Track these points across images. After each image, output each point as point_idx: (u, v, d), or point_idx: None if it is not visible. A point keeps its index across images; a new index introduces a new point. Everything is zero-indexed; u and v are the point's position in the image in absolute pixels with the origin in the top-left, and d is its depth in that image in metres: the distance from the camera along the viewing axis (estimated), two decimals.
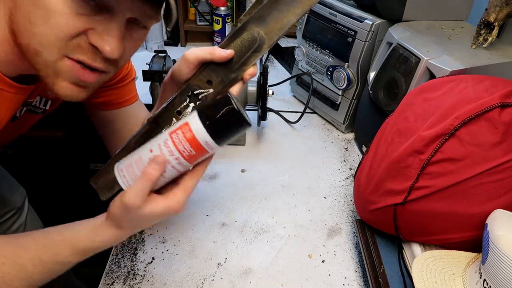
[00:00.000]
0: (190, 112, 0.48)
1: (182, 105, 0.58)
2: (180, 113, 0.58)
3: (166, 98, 0.65)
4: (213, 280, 0.69)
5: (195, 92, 0.57)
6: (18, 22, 0.47)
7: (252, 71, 0.56)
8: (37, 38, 0.46)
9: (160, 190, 0.52)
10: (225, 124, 0.47)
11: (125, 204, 0.48)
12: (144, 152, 0.50)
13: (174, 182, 0.52)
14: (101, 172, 0.62)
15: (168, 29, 0.53)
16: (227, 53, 0.53)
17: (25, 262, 0.52)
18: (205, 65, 0.56)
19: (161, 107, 0.59)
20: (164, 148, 0.48)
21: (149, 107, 0.82)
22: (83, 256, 0.54)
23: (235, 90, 0.56)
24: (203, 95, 0.57)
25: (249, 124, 0.47)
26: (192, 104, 0.58)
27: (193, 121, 0.47)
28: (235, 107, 0.45)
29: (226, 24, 1.38)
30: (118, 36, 0.48)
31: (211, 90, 0.57)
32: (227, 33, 1.40)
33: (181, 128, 0.47)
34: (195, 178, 0.51)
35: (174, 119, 0.59)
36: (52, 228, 0.55)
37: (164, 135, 0.49)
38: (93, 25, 0.47)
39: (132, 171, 0.50)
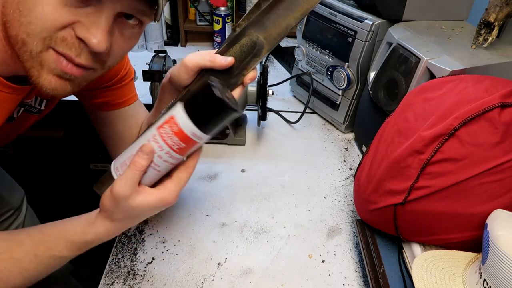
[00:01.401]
0: (175, 104, 0.48)
1: None
2: None
3: (164, 100, 0.65)
4: (213, 280, 0.69)
5: None
6: (8, 13, 0.46)
7: (252, 75, 0.56)
8: (24, 27, 0.45)
9: (155, 184, 0.52)
10: (210, 113, 0.46)
11: (115, 194, 0.49)
12: (136, 149, 0.50)
13: (168, 175, 0.52)
14: (104, 178, 0.62)
15: (155, 22, 0.52)
16: (228, 60, 0.53)
17: (21, 257, 0.52)
18: (205, 70, 0.56)
19: (161, 113, 0.59)
20: (154, 143, 0.48)
21: (149, 107, 0.82)
22: (78, 251, 0.54)
23: (235, 94, 0.57)
24: None
25: (234, 110, 0.46)
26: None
27: (178, 114, 0.46)
28: (217, 95, 0.44)
29: (226, 24, 1.38)
30: (105, 29, 0.47)
31: None
32: (227, 33, 1.40)
33: (168, 122, 0.47)
34: (187, 170, 0.51)
35: None
36: (48, 223, 0.55)
37: (153, 130, 0.49)
38: (80, 18, 0.46)
39: (126, 167, 0.50)
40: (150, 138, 0.48)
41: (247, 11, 1.44)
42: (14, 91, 0.55)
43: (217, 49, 0.56)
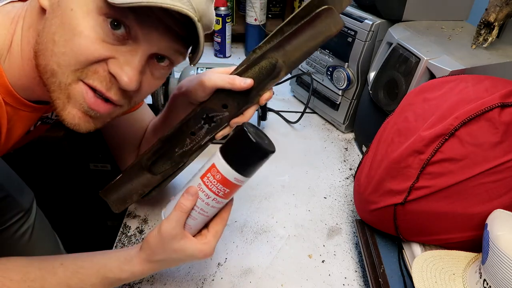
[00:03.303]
0: (214, 154, 0.51)
1: (197, 127, 0.59)
2: (194, 133, 0.59)
3: (174, 110, 0.66)
4: (213, 280, 0.69)
5: (210, 115, 0.58)
6: (42, 42, 0.46)
7: (268, 96, 0.57)
8: (56, 57, 0.46)
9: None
10: (249, 159, 0.49)
11: (162, 234, 0.50)
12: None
13: (205, 227, 0.55)
14: (112, 186, 0.63)
15: (192, 65, 0.54)
16: (247, 83, 0.54)
17: (53, 286, 0.52)
18: (221, 89, 0.56)
19: (174, 127, 0.59)
20: (200, 192, 0.51)
21: (149, 107, 0.83)
22: (109, 286, 0.55)
23: (250, 112, 0.57)
24: (218, 117, 0.58)
25: (272, 152, 0.48)
26: (206, 126, 0.58)
27: (219, 163, 0.49)
28: (254, 141, 0.46)
29: (226, 24, 1.38)
30: (137, 69, 0.48)
31: (227, 114, 0.57)
32: (227, 33, 1.40)
33: (210, 171, 0.50)
34: (222, 223, 0.55)
35: (188, 139, 0.60)
36: (83, 254, 0.56)
37: (197, 179, 0.51)
38: (115, 54, 0.46)
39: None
40: (196, 187, 0.51)
41: (247, 11, 1.44)
42: (35, 109, 0.56)
43: (235, 68, 0.57)
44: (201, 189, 0.51)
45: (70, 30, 0.44)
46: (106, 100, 0.50)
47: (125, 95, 0.50)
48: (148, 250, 0.53)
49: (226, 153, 0.49)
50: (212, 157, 0.51)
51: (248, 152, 0.48)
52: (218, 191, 0.50)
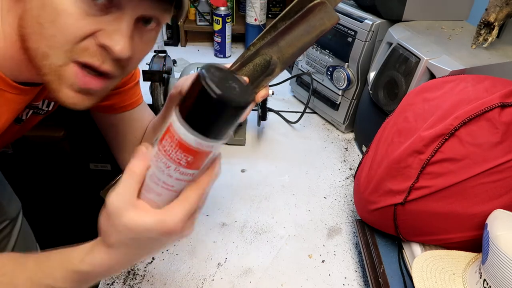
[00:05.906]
0: (172, 111, 0.38)
1: None
2: None
3: (171, 109, 0.65)
4: (213, 280, 0.69)
5: None
6: (27, 26, 0.46)
7: (264, 93, 0.56)
8: (46, 40, 0.45)
9: None
10: (211, 115, 0.34)
11: (107, 207, 0.40)
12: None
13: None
14: (113, 186, 0.62)
15: (179, 23, 0.53)
16: None
17: (20, 282, 0.46)
18: None
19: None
20: (159, 162, 0.39)
21: (149, 107, 0.83)
22: (72, 283, 0.44)
23: (246, 111, 0.56)
24: None
25: (244, 103, 0.34)
26: None
27: (174, 123, 0.36)
28: (212, 91, 0.32)
29: (226, 24, 1.38)
30: (127, 35, 0.47)
31: None
32: (227, 33, 1.40)
33: (168, 133, 0.37)
34: (197, 187, 0.41)
35: None
36: (63, 248, 0.48)
37: (155, 145, 0.39)
38: (102, 26, 0.46)
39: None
40: (153, 154, 0.39)
41: (247, 11, 1.44)
42: (22, 92, 0.56)
43: (230, 65, 0.56)
44: (159, 157, 0.38)
45: (52, 10, 0.44)
46: (100, 74, 0.50)
47: (119, 65, 0.50)
48: (102, 235, 0.42)
49: (182, 110, 0.35)
50: (170, 116, 0.37)
51: (208, 107, 0.33)
52: (178, 159, 0.37)
